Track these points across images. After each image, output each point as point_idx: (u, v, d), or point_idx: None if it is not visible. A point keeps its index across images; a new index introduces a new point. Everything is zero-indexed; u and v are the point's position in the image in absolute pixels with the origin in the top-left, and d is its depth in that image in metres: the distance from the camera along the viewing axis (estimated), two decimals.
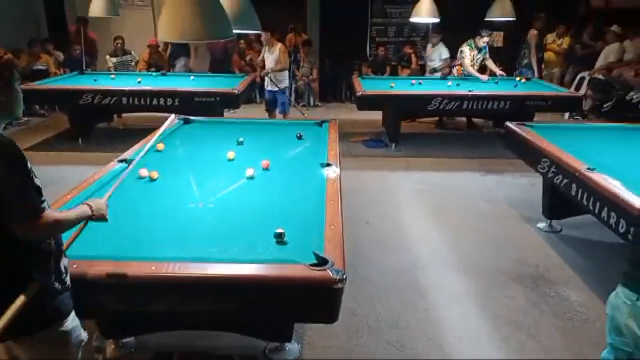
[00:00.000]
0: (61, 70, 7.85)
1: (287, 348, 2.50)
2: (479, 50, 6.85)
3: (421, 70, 8.47)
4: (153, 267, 1.82)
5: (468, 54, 6.82)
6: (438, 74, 7.35)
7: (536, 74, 7.72)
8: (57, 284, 1.59)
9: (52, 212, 1.56)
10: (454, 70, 7.22)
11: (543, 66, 8.12)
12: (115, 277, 1.75)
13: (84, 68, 7.40)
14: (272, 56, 6.19)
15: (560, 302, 3.03)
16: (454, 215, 4.29)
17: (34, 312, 1.52)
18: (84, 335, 1.70)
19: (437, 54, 7.52)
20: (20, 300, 1.48)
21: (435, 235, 3.92)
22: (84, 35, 7.68)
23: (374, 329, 2.75)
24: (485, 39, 6.77)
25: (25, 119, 7.28)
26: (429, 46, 7.89)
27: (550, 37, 8.06)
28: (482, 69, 7.16)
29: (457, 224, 4.12)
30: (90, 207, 1.75)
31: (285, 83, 6.41)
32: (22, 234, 1.47)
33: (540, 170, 3.66)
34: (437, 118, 7.34)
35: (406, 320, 2.83)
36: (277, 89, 6.28)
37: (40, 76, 7.04)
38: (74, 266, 1.78)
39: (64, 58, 8.19)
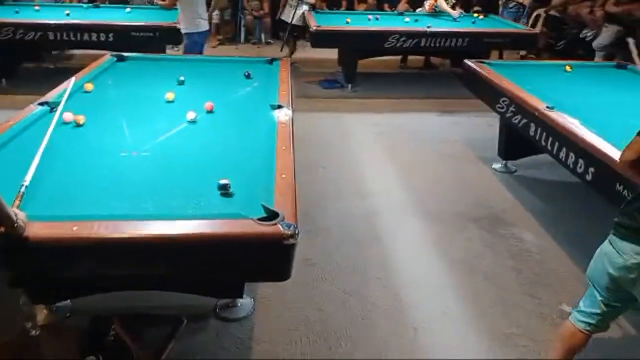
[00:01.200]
0: None
1: (240, 304, 2.37)
2: None
3: (378, 6, 8.08)
4: (75, 228, 1.57)
5: None
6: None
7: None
8: None
9: None
10: (426, 5, 6.84)
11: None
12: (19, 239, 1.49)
13: None
14: None
15: (515, 244, 3.03)
16: (411, 158, 4.19)
17: None
18: None
19: None
20: None
21: (392, 178, 3.82)
22: None
23: (330, 279, 2.65)
24: None
25: None
26: None
27: None
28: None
29: (413, 166, 4.03)
30: (16, 214, 1.48)
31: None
32: None
33: (499, 109, 3.57)
34: (400, 56, 7.05)
35: (363, 267, 2.75)
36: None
37: None
38: None
39: None
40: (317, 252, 2.84)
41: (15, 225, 1.49)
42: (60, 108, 2.46)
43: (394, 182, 3.76)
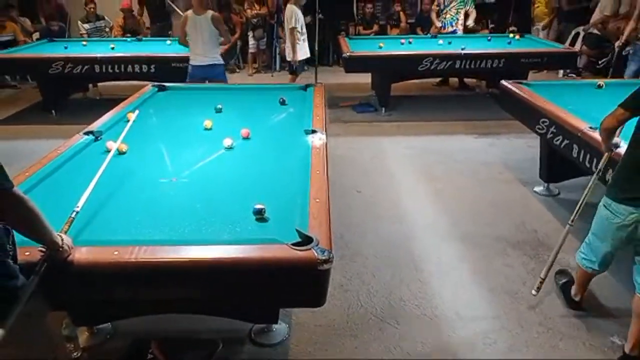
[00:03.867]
0: (32, 38, 7.42)
1: (274, 329, 2.35)
2: None
3: (411, 30, 8.13)
4: (116, 252, 1.62)
5: None
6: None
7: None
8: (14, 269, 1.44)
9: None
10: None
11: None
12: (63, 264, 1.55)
13: (55, 35, 6.99)
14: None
15: (560, 270, 2.88)
16: (448, 181, 4.11)
17: None
18: None
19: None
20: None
21: (429, 202, 3.75)
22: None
23: (366, 305, 2.60)
24: None
25: None
26: None
27: None
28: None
29: (451, 190, 3.95)
30: (62, 239, 1.55)
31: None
32: (1, 209, 1.35)
33: (539, 130, 3.47)
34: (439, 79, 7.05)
35: (400, 294, 2.68)
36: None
37: (8, 46, 6.63)
38: (26, 253, 1.58)
39: (35, 25, 7.70)
40: (352, 278, 2.80)
41: (61, 249, 1.55)
42: (120, 138, 2.55)
43: (431, 206, 3.69)
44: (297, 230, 1.71)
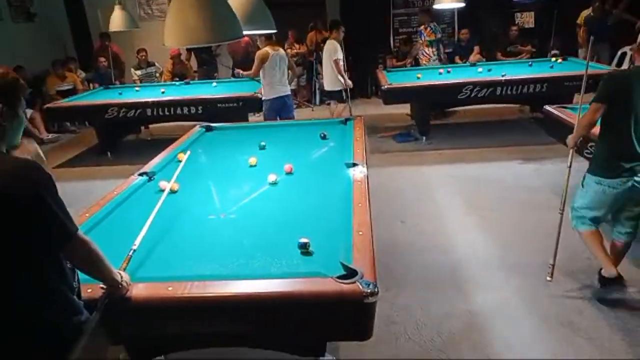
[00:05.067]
0: (90, 86, 7.98)
1: None
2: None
3: (449, 60, 8.15)
4: (170, 288, 1.70)
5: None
6: None
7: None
8: (80, 305, 1.53)
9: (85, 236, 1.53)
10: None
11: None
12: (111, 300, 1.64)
13: (113, 82, 7.50)
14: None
15: (619, 299, 2.75)
16: (494, 209, 4.03)
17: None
18: None
19: None
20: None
21: (476, 231, 3.68)
22: (109, 49, 7.77)
23: (414, 338, 2.56)
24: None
25: (56, 135, 7.45)
26: None
27: (585, 12, 7.57)
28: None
29: (498, 218, 3.86)
30: (121, 276, 1.67)
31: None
32: (66, 251, 1.45)
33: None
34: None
35: (449, 326, 2.63)
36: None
37: (69, 95, 7.17)
38: (88, 290, 1.68)
39: (92, 74, 8.31)
40: (399, 310, 2.77)
41: (120, 286, 1.65)
42: (174, 177, 2.68)
43: (477, 234, 3.62)
44: (341, 264, 1.74)
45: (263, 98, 5.26)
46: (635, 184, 2.58)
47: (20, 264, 1.40)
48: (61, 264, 1.50)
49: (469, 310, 2.75)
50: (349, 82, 6.07)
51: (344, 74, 6.01)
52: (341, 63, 5.99)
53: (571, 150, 2.87)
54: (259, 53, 5.14)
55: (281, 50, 5.24)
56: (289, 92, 5.36)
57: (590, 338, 2.47)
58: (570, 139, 2.84)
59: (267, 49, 5.08)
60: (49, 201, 1.39)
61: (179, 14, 2.08)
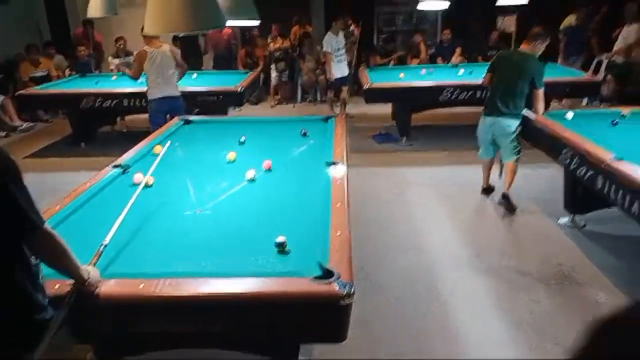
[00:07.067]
0: (66, 74, 7.76)
1: None
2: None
3: (431, 60, 8.21)
4: (141, 285, 1.66)
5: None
6: None
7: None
8: (44, 302, 1.48)
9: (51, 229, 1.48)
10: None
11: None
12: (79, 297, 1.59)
13: (93, 70, 7.30)
14: None
15: (588, 306, 2.81)
16: (470, 211, 4.08)
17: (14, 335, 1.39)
18: None
19: None
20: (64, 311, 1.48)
21: (451, 234, 3.71)
22: (91, 37, 7.57)
23: (387, 340, 2.56)
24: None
25: (30, 124, 7.22)
26: None
27: (568, 20, 7.70)
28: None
29: (473, 221, 3.91)
30: (89, 272, 1.61)
31: None
32: (31, 244, 1.41)
33: (562, 161, 3.43)
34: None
35: (423, 329, 2.64)
36: None
37: (43, 82, 6.95)
38: (56, 286, 1.62)
39: (71, 61, 8.08)
40: (374, 312, 2.77)
41: (87, 283, 1.59)
42: (150, 171, 2.61)
43: (453, 237, 3.65)
44: (319, 264, 1.72)
45: (149, 98, 4.92)
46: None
47: None
48: (26, 258, 1.44)
49: (442, 314, 2.77)
50: (334, 75, 6.64)
51: (331, 65, 6.57)
52: (330, 54, 6.55)
53: None
54: (136, 54, 4.90)
55: (164, 46, 4.84)
56: (178, 94, 4.95)
57: (558, 343, 2.51)
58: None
59: (146, 47, 4.74)
60: (14, 191, 1.34)
61: (160, 0, 2.03)
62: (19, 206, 1.35)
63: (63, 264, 1.51)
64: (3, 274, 1.39)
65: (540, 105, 3.92)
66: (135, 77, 5.00)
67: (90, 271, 1.62)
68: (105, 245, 1.82)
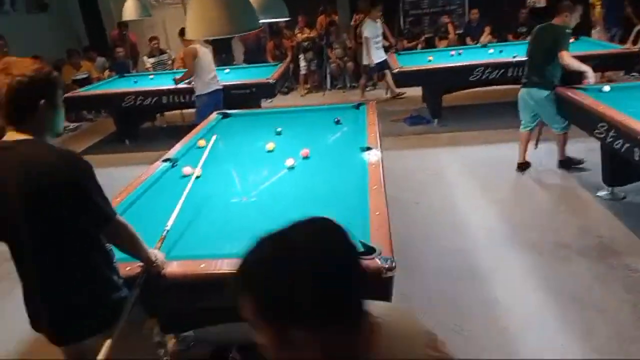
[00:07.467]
0: (105, 75, 8.12)
1: None
2: None
3: (460, 41, 8.13)
4: (202, 265, 1.83)
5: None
6: None
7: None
8: (119, 283, 1.66)
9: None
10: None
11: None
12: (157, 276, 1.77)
13: (130, 70, 7.62)
14: None
15: (629, 274, 2.83)
16: (507, 189, 4.11)
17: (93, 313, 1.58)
18: None
19: None
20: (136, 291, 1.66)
21: (488, 211, 3.76)
22: (127, 38, 7.88)
23: (430, 313, 2.66)
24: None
25: (76, 124, 7.61)
26: None
27: None
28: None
29: (510, 198, 3.94)
30: (156, 255, 1.79)
31: None
32: (107, 233, 1.59)
33: (598, 135, 3.43)
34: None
35: (462, 303, 2.74)
36: None
37: (84, 83, 7.30)
38: (127, 268, 1.81)
39: (110, 63, 8.44)
40: (414, 288, 2.88)
41: (154, 264, 1.78)
42: (200, 163, 2.82)
43: (491, 214, 3.70)
44: (360, 242, 1.84)
45: (198, 93, 5.13)
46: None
47: (67, 247, 1.53)
48: (102, 245, 1.63)
49: (481, 289, 2.85)
50: (373, 60, 6.93)
51: (370, 50, 6.89)
52: (371, 41, 6.84)
53: None
54: (184, 52, 5.14)
55: (203, 43, 5.13)
56: (221, 87, 5.25)
57: (600, 312, 2.56)
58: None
59: (195, 45, 4.93)
60: (91, 188, 1.52)
61: (200, 7, 2.17)
62: (95, 201, 1.52)
63: (134, 248, 1.70)
64: (85, 260, 1.58)
65: (571, 61, 3.93)
66: (191, 75, 5.18)
67: (157, 254, 1.80)
68: (168, 230, 2.01)
